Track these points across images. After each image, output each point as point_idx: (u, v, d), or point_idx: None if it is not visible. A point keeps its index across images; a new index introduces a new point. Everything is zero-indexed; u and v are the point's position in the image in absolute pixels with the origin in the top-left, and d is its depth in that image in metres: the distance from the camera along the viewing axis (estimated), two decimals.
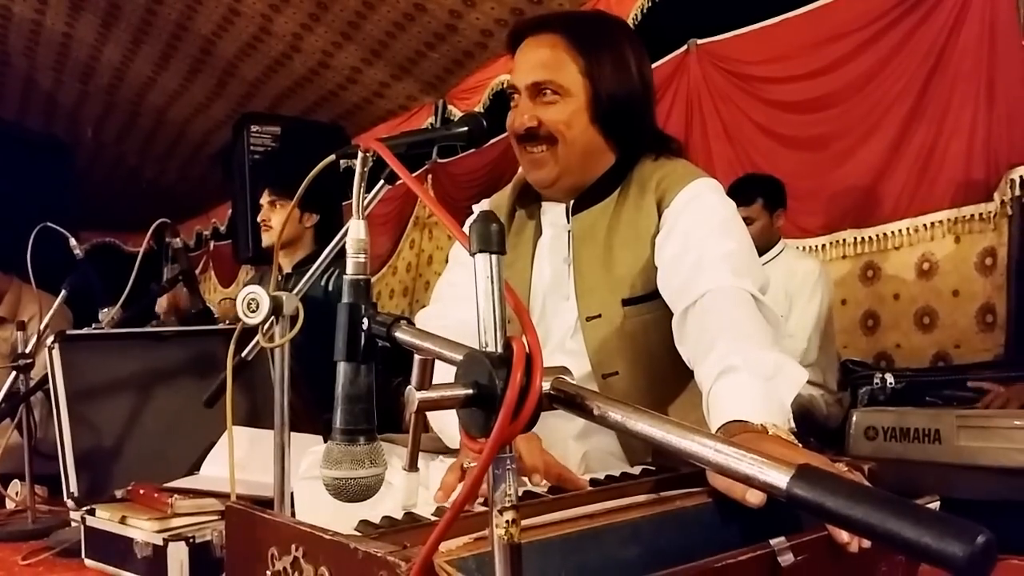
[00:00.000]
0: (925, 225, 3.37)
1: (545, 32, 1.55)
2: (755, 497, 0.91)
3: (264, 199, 3.25)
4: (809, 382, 3.15)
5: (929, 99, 3.30)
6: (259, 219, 3.26)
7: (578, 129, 1.53)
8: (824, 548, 0.86)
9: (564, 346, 1.56)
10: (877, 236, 3.54)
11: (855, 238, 3.61)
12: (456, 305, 1.63)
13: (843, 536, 0.85)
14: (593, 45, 1.52)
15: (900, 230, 3.45)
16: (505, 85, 1.93)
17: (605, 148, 1.58)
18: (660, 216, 1.53)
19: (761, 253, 3.24)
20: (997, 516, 1.89)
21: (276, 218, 3.19)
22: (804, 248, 3.69)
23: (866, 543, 0.86)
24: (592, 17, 1.64)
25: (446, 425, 1.50)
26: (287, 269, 3.21)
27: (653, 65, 4.26)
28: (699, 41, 4.08)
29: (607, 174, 1.60)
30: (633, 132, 1.58)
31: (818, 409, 3.16)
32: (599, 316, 1.54)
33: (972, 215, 3.21)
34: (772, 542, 0.81)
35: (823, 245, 3.70)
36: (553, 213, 1.64)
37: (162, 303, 3.17)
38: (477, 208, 1.71)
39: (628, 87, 1.54)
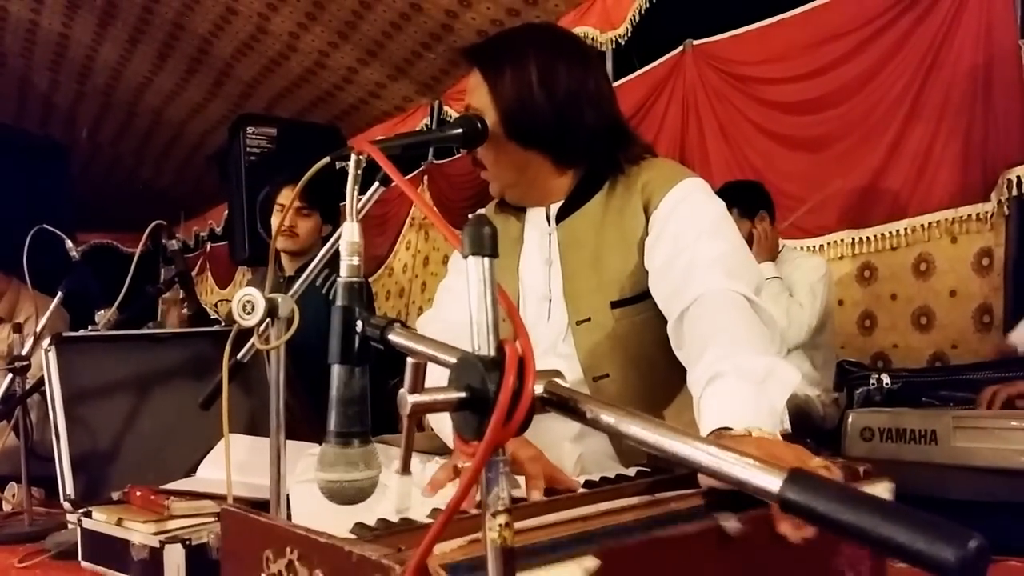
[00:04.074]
0: (922, 225, 3.37)
1: (469, 63, 1.62)
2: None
3: (286, 199, 3.15)
4: (806, 381, 3.16)
5: (926, 100, 3.30)
6: (286, 224, 3.11)
7: (496, 147, 1.56)
8: (772, 522, 0.87)
9: (556, 350, 1.56)
10: (874, 237, 3.54)
11: (852, 239, 3.61)
12: (452, 308, 1.67)
13: (783, 527, 0.86)
14: (494, 66, 1.56)
15: (897, 230, 3.45)
16: None
17: (538, 158, 1.57)
18: (648, 219, 1.52)
19: (774, 259, 3.26)
20: (993, 517, 1.90)
21: (304, 225, 3.12)
22: (803, 248, 3.69)
23: (809, 532, 0.86)
24: (502, 37, 1.67)
25: (444, 424, 1.51)
26: (289, 272, 3.18)
27: (650, 66, 4.27)
28: (695, 41, 4.08)
29: (584, 179, 1.61)
30: (562, 140, 1.56)
31: (814, 409, 3.16)
32: (589, 320, 1.54)
33: (969, 215, 3.22)
34: (718, 515, 0.83)
35: (821, 246, 3.70)
36: (536, 218, 1.66)
37: (171, 319, 3.15)
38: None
39: (529, 100, 1.52)
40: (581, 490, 1.15)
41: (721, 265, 1.41)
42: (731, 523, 0.82)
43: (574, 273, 1.57)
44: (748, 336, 1.30)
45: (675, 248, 1.46)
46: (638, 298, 1.52)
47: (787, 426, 1.19)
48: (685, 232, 1.46)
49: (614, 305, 1.53)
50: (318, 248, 3.15)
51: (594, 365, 1.53)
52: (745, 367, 1.21)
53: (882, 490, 1.03)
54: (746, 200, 3.32)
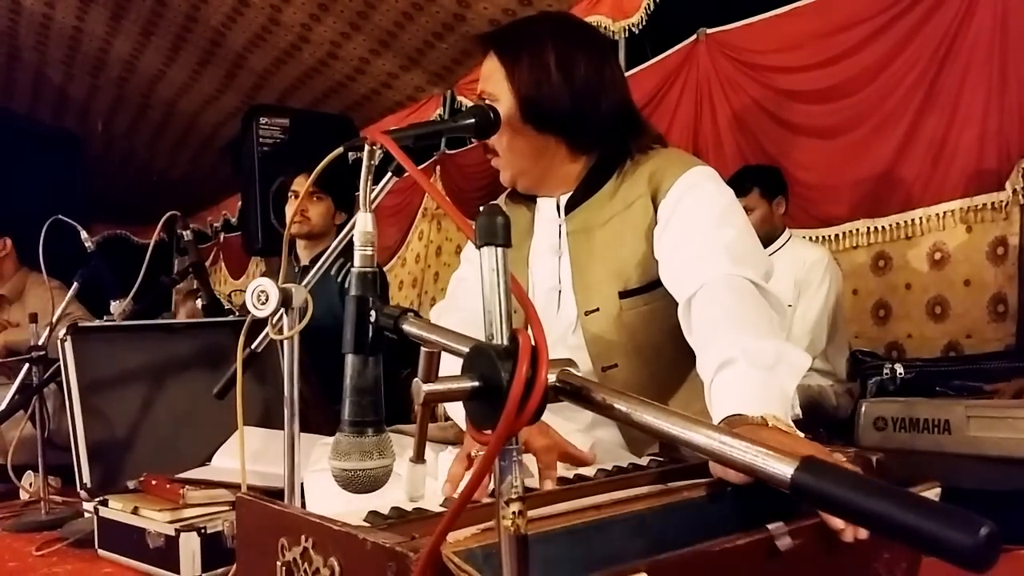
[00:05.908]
0: (937, 215, 3.35)
1: (485, 48, 1.61)
2: None
3: (300, 186, 3.17)
4: (819, 372, 3.15)
5: (941, 88, 3.28)
6: (296, 207, 3.13)
7: (510, 132, 1.55)
8: (822, 533, 0.85)
9: (566, 341, 1.57)
10: (889, 226, 3.52)
11: (868, 228, 3.59)
12: (468, 297, 1.69)
13: (837, 523, 0.85)
14: (512, 51, 1.56)
15: (912, 220, 3.44)
16: None
17: (552, 144, 1.57)
18: (656, 209, 1.52)
19: (766, 244, 3.25)
20: (1007, 506, 1.89)
21: (315, 210, 3.14)
22: (817, 238, 3.68)
23: (863, 534, 0.85)
24: (519, 24, 1.67)
25: (458, 410, 1.52)
26: (304, 261, 3.20)
27: (663, 55, 4.25)
28: (708, 30, 4.06)
29: (594, 169, 1.60)
30: (577, 126, 1.55)
31: (827, 400, 3.16)
32: (597, 310, 1.54)
33: (984, 204, 3.20)
34: (770, 527, 0.81)
35: (836, 235, 3.68)
36: (546, 208, 1.66)
37: (181, 315, 3.16)
38: None
39: (547, 85, 1.52)
40: (593, 469, 1.16)
41: (728, 251, 1.41)
42: (784, 540, 0.81)
43: (583, 264, 1.58)
44: (755, 321, 1.31)
45: (683, 235, 1.46)
46: (646, 288, 1.52)
47: (798, 411, 1.19)
48: (693, 220, 1.47)
49: (622, 295, 1.53)
50: (332, 236, 3.18)
51: (602, 355, 1.54)
52: (754, 353, 1.21)
53: (932, 495, 1.02)
54: (769, 183, 3.33)
